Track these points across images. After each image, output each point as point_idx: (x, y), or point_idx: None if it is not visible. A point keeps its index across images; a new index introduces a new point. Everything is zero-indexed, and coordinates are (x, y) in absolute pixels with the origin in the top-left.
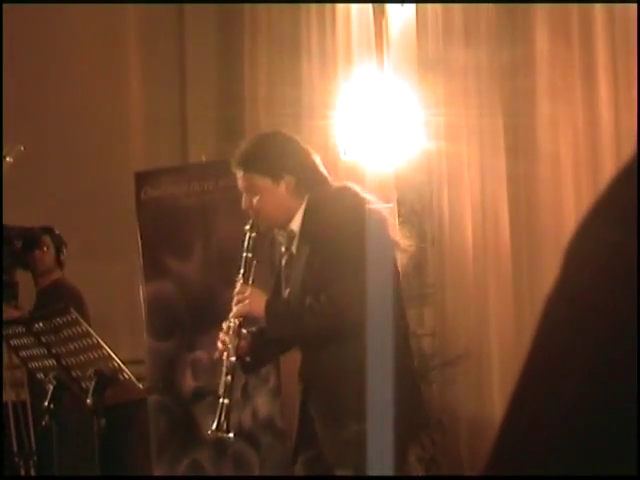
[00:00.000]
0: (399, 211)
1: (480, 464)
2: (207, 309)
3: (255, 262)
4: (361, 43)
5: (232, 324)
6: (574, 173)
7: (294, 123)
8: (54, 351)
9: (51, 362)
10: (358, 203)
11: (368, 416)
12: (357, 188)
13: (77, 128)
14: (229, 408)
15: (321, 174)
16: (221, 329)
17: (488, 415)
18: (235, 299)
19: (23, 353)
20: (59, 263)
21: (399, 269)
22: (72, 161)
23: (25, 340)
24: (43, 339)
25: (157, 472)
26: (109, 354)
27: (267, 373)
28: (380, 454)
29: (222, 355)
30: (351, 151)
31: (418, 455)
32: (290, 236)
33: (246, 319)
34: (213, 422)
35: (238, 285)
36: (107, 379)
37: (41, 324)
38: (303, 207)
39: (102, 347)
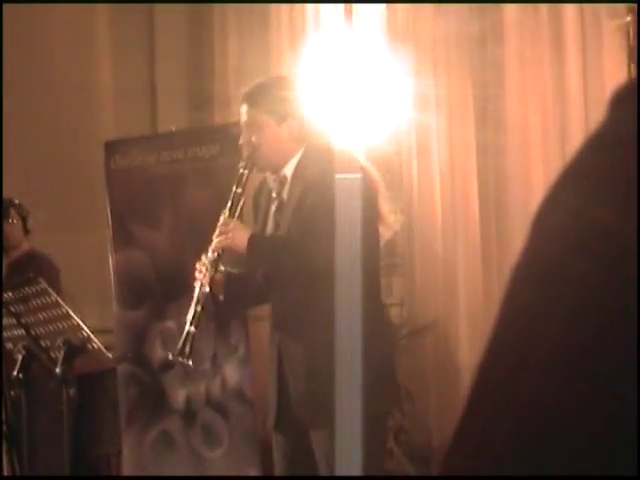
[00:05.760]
0: None
1: (448, 433)
2: (177, 279)
3: (243, 199)
4: (330, 13)
5: (211, 255)
6: (543, 143)
7: None
8: (23, 321)
9: (20, 332)
10: (354, 166)
11: (336, 376)
12: (357, 154)
13: (46, 98)
14: (194, 336)
15: (323, 127)
16: (199, 260)
17: (456, 385)
18: (217, 231)
19: None
20: (26, 232)
21: (379, 242)
22: (41, 131)
23: None
24: (12, 309)
25: (126, 442)
26: (78, 324)
27: (236, 342)
28: (350, 414)
29: (195, 284)
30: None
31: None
32: (282, 182)
33: (226, 252)
34: (176, 347)
35: (222, 219)
36: (76, 349)
37: (10, 294)
38: (300, 154)
39: (71, 317)
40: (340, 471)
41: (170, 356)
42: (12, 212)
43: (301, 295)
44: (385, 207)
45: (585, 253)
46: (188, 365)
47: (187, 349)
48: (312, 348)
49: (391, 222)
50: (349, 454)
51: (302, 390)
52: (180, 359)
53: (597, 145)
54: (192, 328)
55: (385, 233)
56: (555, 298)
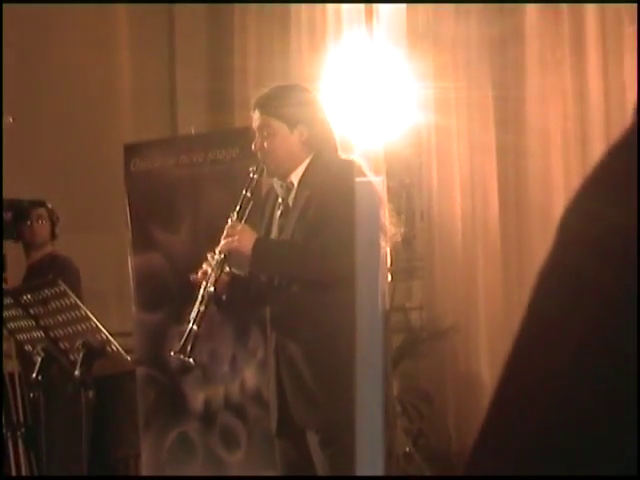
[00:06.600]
0: (388, 185)
1: (468, 437)
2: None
3: (252, 203)
4: (351, 15)
5: (217, 256)
6: (563, 146)
7: None
8: (42, 323)
9: (39, 334)
10: (359, 175)
11: (357, 381)
12: (363, 165)
13: (67, 100)
14: (196, 335)
15: (332, 135)
16: (205, 259)
17: (476, 388)
18: (225, 233)
19: (11, 325)
20: (53, 236)
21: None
22: (61, 133)
23: (13, 312)
24: (31, 311)
25: (145, 444)
26: (97, 326)
27: (255, 346)
28: (370, 416)
29: (200, 284)
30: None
31: (405, 427)
32: (288, 187)
33: (232, 255)
34: (178, 344)
35: (230, 221)
36: (95, 351)
37: (29, 296)
38: (307, 161)
39: (90, 319)
40: (361, 472)
41: (172, 353)
42: (44, 213)
43: (300, 298)
44: (386, 219)
45: (610, 258)
46: (199, 365)
47: (188, 347)
48: (310, 351)
49: (391, 234)
50: (370, 456)
51: (300, 394)
52: (181, 357)
53: (621, 151)
54: (195, 327)
55: (384, 245)
56: (580, 303)
